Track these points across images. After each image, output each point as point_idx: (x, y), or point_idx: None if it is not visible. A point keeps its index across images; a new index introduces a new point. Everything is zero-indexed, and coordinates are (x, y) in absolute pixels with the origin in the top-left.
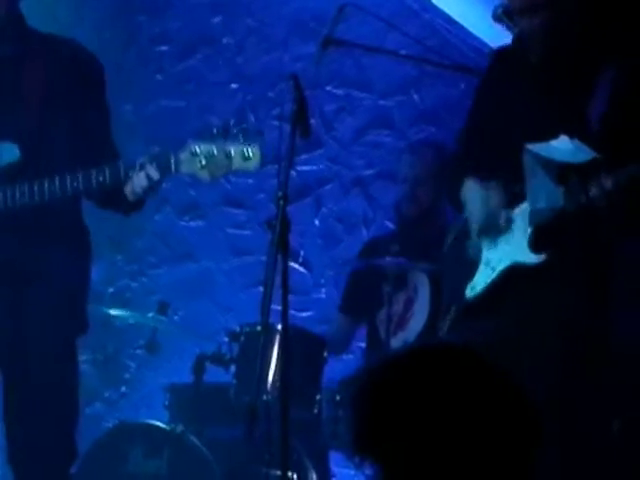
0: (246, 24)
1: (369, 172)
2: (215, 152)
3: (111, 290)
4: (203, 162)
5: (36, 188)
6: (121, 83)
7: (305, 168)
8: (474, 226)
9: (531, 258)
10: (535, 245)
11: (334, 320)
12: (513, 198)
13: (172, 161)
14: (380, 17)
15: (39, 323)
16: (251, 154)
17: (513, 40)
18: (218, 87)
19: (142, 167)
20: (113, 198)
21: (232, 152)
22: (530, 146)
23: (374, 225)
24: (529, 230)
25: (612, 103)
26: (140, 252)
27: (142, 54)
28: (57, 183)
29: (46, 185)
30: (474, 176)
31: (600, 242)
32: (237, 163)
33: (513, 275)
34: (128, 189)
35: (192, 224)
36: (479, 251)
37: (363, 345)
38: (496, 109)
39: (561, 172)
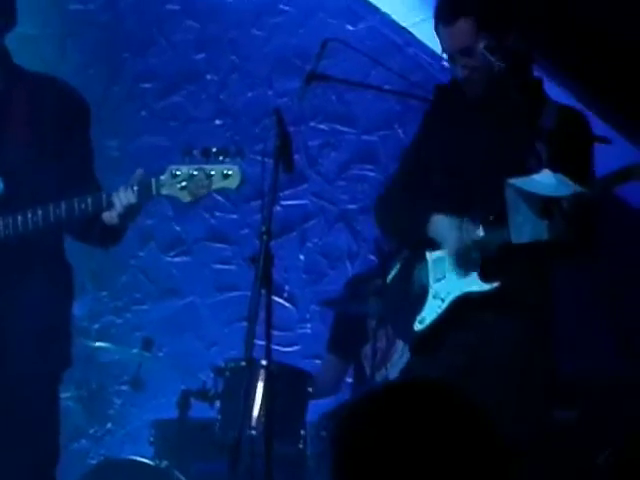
0: (230, 60)
1: (353, 207)
2: (195, 173)
3: (96, 326)
4: (184, 184)
5: (19, 219)
6: (106, 119)
7: (290, 203)
8: (448, 258)
9: (482, 287)
10: (484, 274)
11: (323, 360)
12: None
13: (153, 184)
14: (364, 52)
15: (20, 359)
16: (231, 172)
17: (450, 79)
18: (202, 123)
19: (124, 190)
20: (92, 228)
21: (212, 172)
22: (512, 180)
23: (358, 259)
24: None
25: (554, 137)
26: (125, 288)
27: (126, 91)
28: (40, 213)
29: (29, 215)
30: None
31: (545, 269)
32: (217, 182)
33: (464, 305)
34: (108, 215)
35: (177, 259)
36: (427, 284)
37: (350, 380)
38: (439, 139)
39: (545, 206)
